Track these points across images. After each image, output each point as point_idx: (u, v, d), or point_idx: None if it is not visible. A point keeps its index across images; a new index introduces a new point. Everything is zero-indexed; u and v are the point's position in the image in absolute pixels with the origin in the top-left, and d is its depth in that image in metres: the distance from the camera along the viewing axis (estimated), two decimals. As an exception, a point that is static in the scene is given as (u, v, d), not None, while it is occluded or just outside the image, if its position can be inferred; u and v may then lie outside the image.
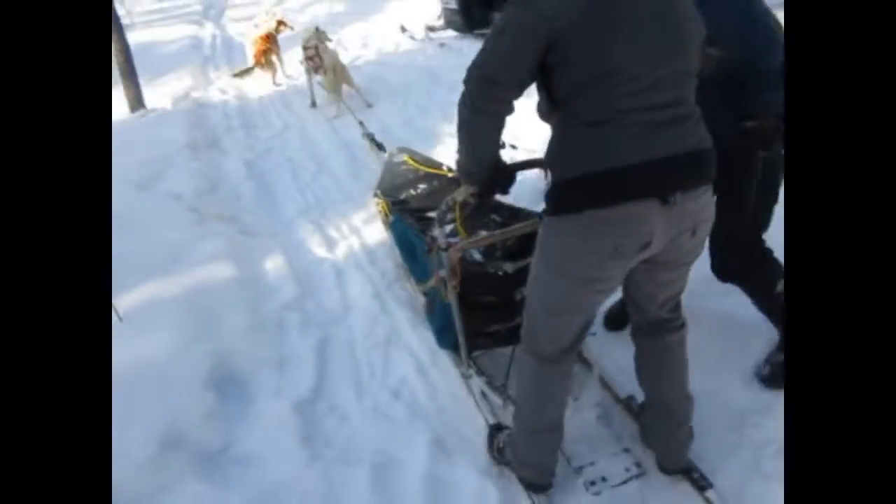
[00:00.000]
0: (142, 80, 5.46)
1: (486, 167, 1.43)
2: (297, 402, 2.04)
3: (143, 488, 1.69)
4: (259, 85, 5.86)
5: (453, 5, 6.08)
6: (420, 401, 2.04)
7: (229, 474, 1.82)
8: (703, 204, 1.33)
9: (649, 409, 1.69)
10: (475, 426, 1.90)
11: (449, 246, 1.78)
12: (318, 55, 4.78)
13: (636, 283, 1.47)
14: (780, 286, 1.80)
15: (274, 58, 5.66)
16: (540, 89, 1.33)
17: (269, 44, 5.57)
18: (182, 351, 2.14)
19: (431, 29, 6.60)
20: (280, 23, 5.65)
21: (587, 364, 1.89)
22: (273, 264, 2.84)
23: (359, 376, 2.18)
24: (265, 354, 2.26)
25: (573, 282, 1.37)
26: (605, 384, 1.92)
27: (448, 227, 1.81)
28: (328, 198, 3.59)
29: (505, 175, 1.49)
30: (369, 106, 4.86)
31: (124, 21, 5.66)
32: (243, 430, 1.95)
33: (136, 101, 5.37)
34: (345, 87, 4.85)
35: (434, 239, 1.92)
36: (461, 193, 1.68)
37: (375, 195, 2.83)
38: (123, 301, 2.37)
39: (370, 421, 1.99)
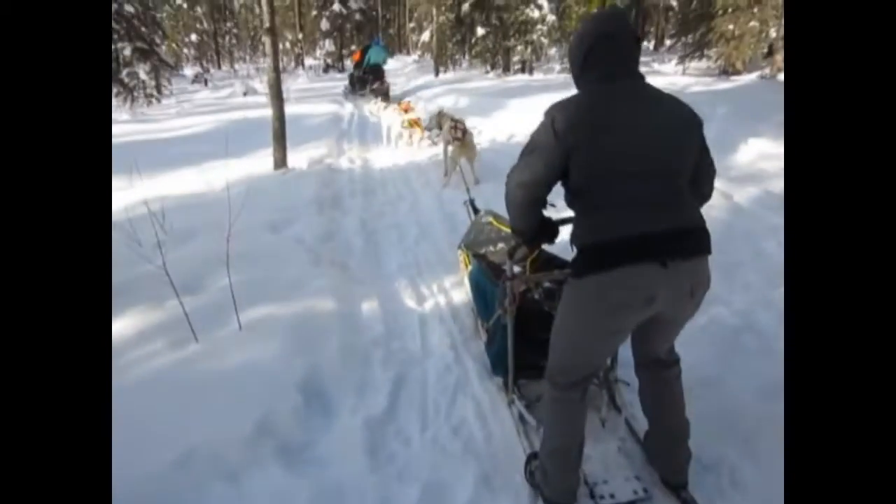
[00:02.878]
0: (288, 145, 6.39)
1: (532, 228, 1.88)
2: (369, 420, 2.32)
3: (238, 458, 2.03)
4: (383, 157, 6.62)
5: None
6: (476, 441, 2.25)
7: (303, 468, 2.10)
8: (699, 270, 1.64)
9: (652, 432, 1.96)
10: (522, 472, 2.08)
11: (514, 277, 2.15)
12: (464, 128, 5.68)
13: (644, 334, 1.82)
14: None
15: (417, 129, 7.51)
16: (563, 184, 1.72)
17: (416, 120, 7.74)
18: (285, 359, 2.53)
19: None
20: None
21: (618, 408, 2.17)
22: (369, 306, 3.23)
23: (426, 411, 2.44)
24: (349, 378, 2.58)
25: (586, 328, 1.71)
26: (629, 425, 2.18)
27: (517, 268, 2.16)
28: (426, 260, 3.98)
29: (549, 230, 1.92)
30: (477, 182, 5.36)
31: (285, 95, 6.68)
32: (321, 435, 2.26)
33: (281, 161, 6.26)
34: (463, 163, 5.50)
35: (504, 272, 2.27)
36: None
37: (459, 248, 3.21)
38: (246, 314, 2.85)
39: (429, 449, 2.22)
